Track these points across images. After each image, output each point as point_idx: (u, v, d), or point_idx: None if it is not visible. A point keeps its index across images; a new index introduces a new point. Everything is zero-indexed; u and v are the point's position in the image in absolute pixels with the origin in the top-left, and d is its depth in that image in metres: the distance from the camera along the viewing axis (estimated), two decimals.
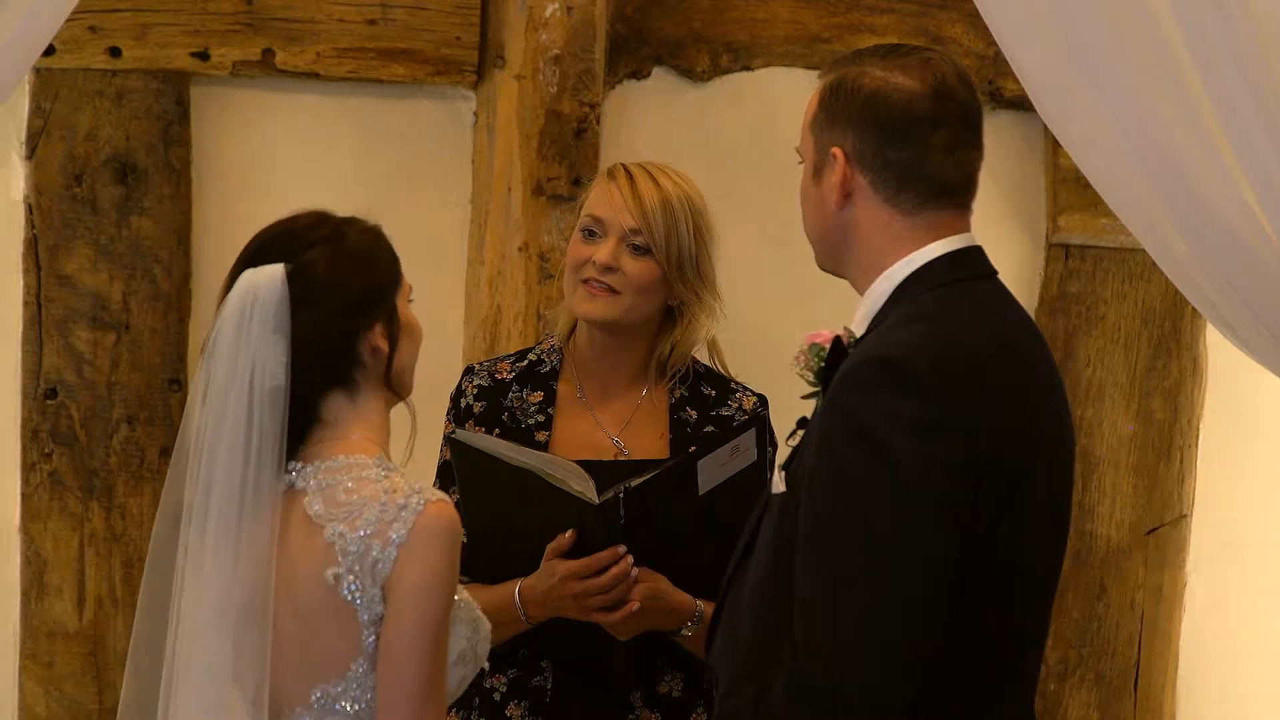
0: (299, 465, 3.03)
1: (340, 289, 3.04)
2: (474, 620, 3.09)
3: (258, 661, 2.96)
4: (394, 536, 2.94)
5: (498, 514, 3.67)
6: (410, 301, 3.14)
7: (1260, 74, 3.52)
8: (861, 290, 2.97)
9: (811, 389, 3.04)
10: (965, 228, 2.97)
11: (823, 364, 2.98)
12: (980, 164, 3.00)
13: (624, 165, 3.82)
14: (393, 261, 3.11)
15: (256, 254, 3.06)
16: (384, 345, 3.06)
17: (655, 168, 3.82)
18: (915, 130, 2.91)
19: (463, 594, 3.09)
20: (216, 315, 3.05)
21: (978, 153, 2.99)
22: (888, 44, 3.03)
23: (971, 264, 2.95)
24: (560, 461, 3.61)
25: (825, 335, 3.00)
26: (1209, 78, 3.54)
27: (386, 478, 2.99)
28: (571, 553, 3.62)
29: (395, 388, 3.09)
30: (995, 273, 2.98)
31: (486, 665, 3.61)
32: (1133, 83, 3.62)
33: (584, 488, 3.57)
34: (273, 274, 3.02)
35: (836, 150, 2.92)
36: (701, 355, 3.87)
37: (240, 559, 2.98)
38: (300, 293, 3.02)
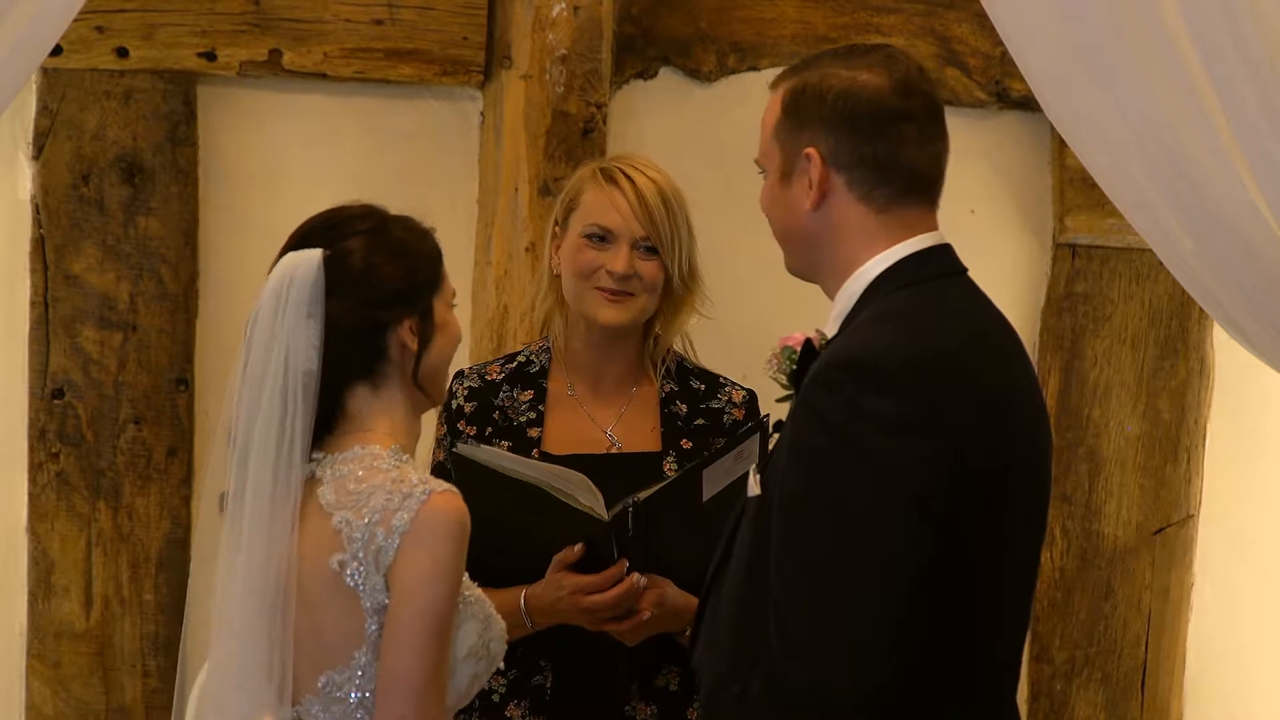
0: (320, 455, 3.06)
1: (374, 279, 3.06)
2: (486, 617, 3.09)
3: (283, 646, 2.98)
4: (397, 524, 2.95)
5: (500, 525, 3.66)
6: (454, 306, 3.15)
7: (1268, 74, 3.52)
8: (832, 293, 2.98)
9: (785, 392, 3.05)
10: (934, 225, 2.98)
11: (794, 366, 2.98)
12: (947, 157, 3.01)
13: (617, 166, 3.81)
14: (434, 262, 3.13)
15: (302, 239, 3.10)
16: (412, 342, 3.07)
17: (641, 163, 3.82)
18: (888, 124, 2.93)
19: (474, 590, 3.10)
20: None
21: (944, 145, 3.01)
22: (844, 46, 3.04)
23: (941, 262, 2.96)
24: (564, 472, 3.61)
25: (797, 338, 3.02)
26: (1216, 78, 3.53)
27: (397, 468, 3.01)
28: (578, 565, 3.62)
29: (423, 387, 3.11)
30: (965, 270, 2.99)
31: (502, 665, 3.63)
32: (1139, 82, 3.62)
33: (591, 501, 3.57)
34: (310, 258, 3.04)
35: (811, 150, 2.93)
36: (676, 344, 3.89)
37: (273, 541, 2.99)
38: (335, 278, 3.04)
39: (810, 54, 3.05)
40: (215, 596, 3.05)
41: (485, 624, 3.09)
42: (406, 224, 3.13)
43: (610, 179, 3.78)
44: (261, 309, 3.05)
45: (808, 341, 2.98)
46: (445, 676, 2.99)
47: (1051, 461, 3.02)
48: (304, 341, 3.02)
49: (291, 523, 2.99)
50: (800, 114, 2.95)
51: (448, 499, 2.98)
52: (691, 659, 3.07)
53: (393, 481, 2.98)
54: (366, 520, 2.96)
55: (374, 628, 2.97)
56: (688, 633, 3.68)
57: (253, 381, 3.04)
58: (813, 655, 2.73)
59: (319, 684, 3.00)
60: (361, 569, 2.96)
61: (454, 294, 3.16)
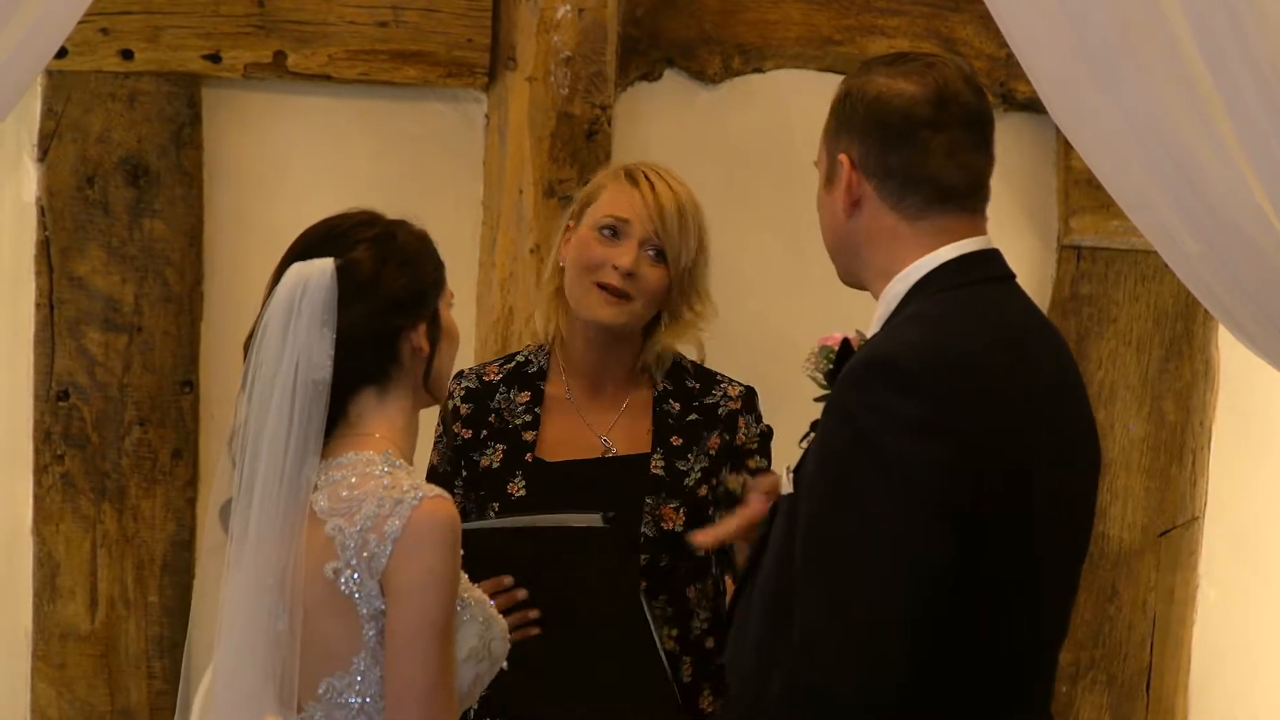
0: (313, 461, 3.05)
1: (387, 286, 3.06)
2: (487, 618, 3.09)
3: (289, 650, 2.98)
4: (389, 530, 2.95)
5: (526, 581, 3.61)
6: (450, 306, 3.16)
7: (1271, 76, 3.52)
8: (878, 297, 2.97)
9: (823, 391, 3.05)
10: (978, 231, 2.97)
11: (831, 366, 2.99)
12: (990, 168, 3.00)
13: (641, 170, 3.81)
14: (438, 265, 3.14)
15: (306, 249, 3.09)
16: (425, 346, 3.09)
17: (665, 172, 3.83)
18: (914, 134, 2.92)
19: (474, 592, 3.10)
20: (263, 307, 3.07)
21: (983, 156, 2.99)
22: (897, 52, 3.04)
23: (985, 267, 2.95)
24: (543, 514, 3.60)
25: (835, 338, 3.02)
26: (1220, 79, 3.54)
27: (389, 474, 3.00)
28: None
29: (432, 390, 3.12)
30: (1012, 275, 2.98)
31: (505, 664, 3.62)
32: (1144, 84, 3.62)
33: (585, 519, 3.55)
34: (323, 267, 3.04)
35: (843, 157, 2.94)
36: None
37: (279, 550, 2.99)
38: (349, 287, 3.04)
39: (867, 60, 3.04)
40: (221, 603, 3.05)
41: (486, 625, 3.09)
42: (408, 228, 3.14)
43: (632, 179, 3.80)
44: (270, 320, 3.04)
45: (845, 342, 2.99)
46: (452, 680, 2.99)
47: (1095, 469, 3.00)
48: (318, 351, 3.02)
49: (299, 530, 3.00)
50: (840, 120, 2.96)
51: (438, 504, 2.97)
52: (723, 657, 3.07)
53: (384, 488, 2.98)
54: (359, 527, 2.96)
55: (371, 633, 2.97)
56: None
57: (262, 393, 3.03)
58: (825, 655, 2.72)
59: (320, 690, 3.00)
60: (356, 576, 2.96)
61: (452, 295, 3.17)
